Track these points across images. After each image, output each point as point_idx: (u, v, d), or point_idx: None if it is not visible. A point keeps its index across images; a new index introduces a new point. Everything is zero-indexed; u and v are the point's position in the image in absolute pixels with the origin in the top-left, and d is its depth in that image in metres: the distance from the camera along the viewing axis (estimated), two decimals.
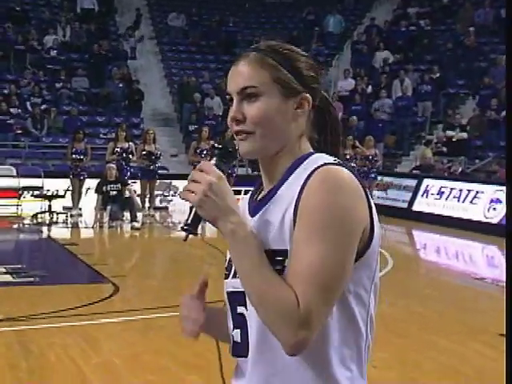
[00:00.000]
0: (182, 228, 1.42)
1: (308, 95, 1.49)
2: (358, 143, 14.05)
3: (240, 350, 1.50)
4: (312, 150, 1.52)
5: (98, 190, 12.07)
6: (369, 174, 13.75)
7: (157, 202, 14.02)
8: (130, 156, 12.92)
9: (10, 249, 10.86)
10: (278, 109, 1.46)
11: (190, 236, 1.43)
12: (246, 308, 1.46)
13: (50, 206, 12.73)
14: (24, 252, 10.60)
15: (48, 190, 13.35)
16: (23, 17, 20.08)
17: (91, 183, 12.85)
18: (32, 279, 7.66)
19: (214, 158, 1.44)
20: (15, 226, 12.41)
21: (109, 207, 11.96)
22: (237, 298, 1.48)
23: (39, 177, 13.91)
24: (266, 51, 1.49)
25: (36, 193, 13.24)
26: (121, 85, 18.29)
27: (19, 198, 13.35)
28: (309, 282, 1.33)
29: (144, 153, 12.81)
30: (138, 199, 12.96)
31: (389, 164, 16.56)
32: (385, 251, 9.33)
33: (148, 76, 20.06)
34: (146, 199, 13.12)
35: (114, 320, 6.07)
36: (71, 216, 12.83)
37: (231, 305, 1.52)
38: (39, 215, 12.67)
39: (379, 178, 14.60)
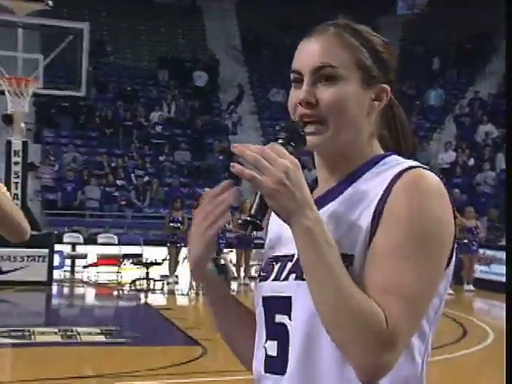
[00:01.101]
0: (243, 221, 1.17)
1: (387, 87, 1.30)
2: (457, 213, 13.62)
3: (276, 365, 1.27)
4: (383, 152, 1.32)
5: None
6: (470, 247, 13.24)
7: (252, 272, 14.02)
8: (226, 224, 13.07)
9: (108, 313, 11.14)
10: (357, 97, 1.26)
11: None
12: (289, 317, 1.25)
13: (147, 274, 13.01)
14: (120, 316, 10.82)
15: (147, 259, 13.67)
16: (133, 95, 21.23)
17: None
18: (124, 340, 7.77)
19: (280, 141, 1.19)
20: (115, 292, 12.78)
21: None
22: (277, 305, 1.27)
23: (139, 245, 14.33)
24: (347, 28, 1.29)
25: (135, 260, 13.59)
26: (221, 157, 18.78)
27: (120, 266, 13.74)
28: (399, 298, 1.14)
29: (240, 222, 12.92)
30: (232, 268, 13.02)
31: (492, 237, 15.90)
32: (486, 325, 8.85)
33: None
34: (241, 268, 13.15)
35: (199, 379, 6.02)
36: (168, 283, 13.04)
37: (267, 312, 1.30)
38: (137, 282, 12.96)
39: (481, 251, 14.01)
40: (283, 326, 1.25)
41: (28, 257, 12.32)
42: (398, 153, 1.33)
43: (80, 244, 14.69)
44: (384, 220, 1.19)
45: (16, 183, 12.80)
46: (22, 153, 12.92)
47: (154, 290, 12.75)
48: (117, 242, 14.74)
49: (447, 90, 22.59)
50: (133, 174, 17.95)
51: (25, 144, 13.08)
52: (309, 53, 1.27)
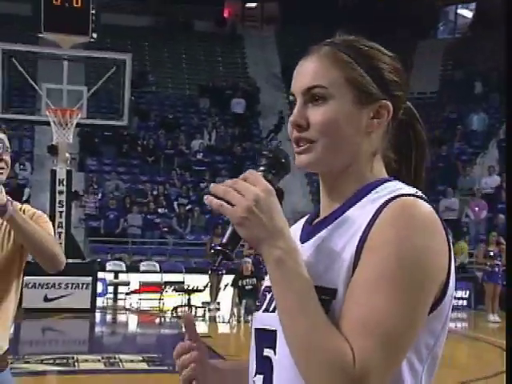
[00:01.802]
0: (214, 250, 1.14)
1: (388, 103, 1.23)
2: (502, 239, 13.37)
3: None
4: (386, 176, 1.25)
5: (233, 285, 12.24)
6: None
7: None
8: None
9: (150, 340, 11.18)
10: (350, 116, 1.20)
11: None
12: (274, 351, 1.20)
13: (189, 300, 13.04)
14: (162, 343, 10.82)
15: (188, 286, 13.72)
16: (174, 124, 21.49)
17: (230, 279, 13.09)
18: (166, 368, 7.76)
19: (261, 168, 1.18)
20: (157, 319, 12.83)
21: (244, 301, 12.05)
22: (265, 338, 1.22)
23: (181, 272, 14.40)
24: (342, 46, 1.24)
25: (177, 287, 13.64)
26: None
27: (162, 293, 13.81)
28: (371, 334, 1.07)
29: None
30: None
31: None
32: None
33: (288, 176, 20.44)
34: None
35: None
36: (209, 310, 13.05)
37: (257, 345, 1.25)
38: (179, 309, 12.99)
39: None
40: (269, 360, 1.21)
41: (72, 284, 12.47)
42: (404, 177, 1.27)
43: (122, 272, 14.82)
44: (364, 252, 1.12)
45: (60, 212, 12.98)
46: (66, 181, 13.14)
47: (195, 317, 12.76)
48: (159, 270, 14.83)
49: (490, 114, 22.30)
50: (175, 202, 18.10)
51: (69, 173, 13.30)
52: (300, 74, 1.24)
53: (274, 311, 1.20)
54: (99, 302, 13.40)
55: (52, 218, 13.15)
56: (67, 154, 13.40)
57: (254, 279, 12.23)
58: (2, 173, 2.64)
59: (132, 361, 8.14)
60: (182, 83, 24.00)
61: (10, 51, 13.46)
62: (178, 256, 16.51)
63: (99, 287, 13.43)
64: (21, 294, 2.85)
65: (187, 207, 17.84)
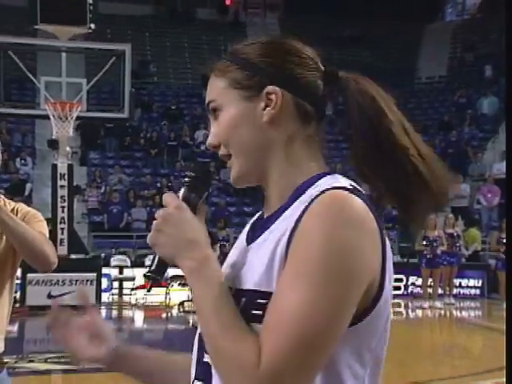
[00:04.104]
0: (144, 275, 1.15)
1: (273, 87, 1.18)
2: None
3: None
4: (318, 161, 1.20)
5: None
6: None
7: None
8: None
9: (157, 336, 11.02)
10: (242, 117, 1.19)
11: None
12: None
13: None
14: (169, 339, 10.68)
15: None
16: (178, 114, 21.17)
17: None
18: None
19: (183, 189, 1.20)
20: (163, 314, 12.62)
21: None
22: (204, 344, 1.19)
23: None
24: (226, 54, 1.26)
25: (183, 282, 13.38)
26: None
27: (168, 287, 13.56)
28: (281, 334, 1.04)
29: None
30: None
31: None
32: None
33: None
34: None
35: None
36: None
37: (199, 351, 1.23)
38: (186, 303, 12.77)
39: None
40: (208, 365, 1.18)
41: (76, 281, 12.24)
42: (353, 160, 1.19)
43: (127, 267, 14.58)
44: (289, 250, 1.09)
45: (62, 207, 12.74)
46: (67, 176, 12.88)
47: None
48: None
49: (501, 97, 21.88)
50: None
51: (70, 167, 13.05)
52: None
53: None
54: (104, 297, 13.20)
55: (54, 213, 12.93)
56: (68, 148, 13.13)
57: None
58: None
59: None
60: (184, 73, 23.68)
61: (7, 44, 13.15)
62: None
63: (104, 283, 13.22)
64: (24, 292, 2.84)
65: None
